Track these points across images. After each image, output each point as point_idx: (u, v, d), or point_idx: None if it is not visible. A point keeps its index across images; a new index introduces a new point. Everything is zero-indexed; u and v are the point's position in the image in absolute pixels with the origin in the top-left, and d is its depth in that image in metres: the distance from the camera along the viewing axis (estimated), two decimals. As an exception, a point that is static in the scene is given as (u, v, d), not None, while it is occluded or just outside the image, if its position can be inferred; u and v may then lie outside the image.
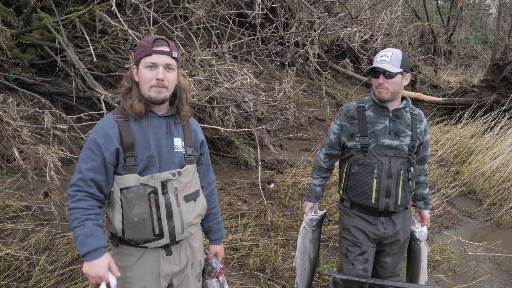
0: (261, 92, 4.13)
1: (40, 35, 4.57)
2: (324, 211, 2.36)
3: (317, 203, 2.38)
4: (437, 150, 5.85)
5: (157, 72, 1.53)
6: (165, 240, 1.60)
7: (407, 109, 2.15)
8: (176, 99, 1.66)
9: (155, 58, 1.52)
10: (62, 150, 3.17)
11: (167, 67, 1.56)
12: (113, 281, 1.47)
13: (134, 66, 1.59)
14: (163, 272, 1.65)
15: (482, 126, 6.74)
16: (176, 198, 1.60)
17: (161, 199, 1.56)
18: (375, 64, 2.05)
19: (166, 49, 1.55)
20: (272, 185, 4.27)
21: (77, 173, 1.52)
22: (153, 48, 1.52)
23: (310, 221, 2.29)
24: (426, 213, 2.41)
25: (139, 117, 1.56)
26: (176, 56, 1.59)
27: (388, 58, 2.03)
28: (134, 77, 1.60)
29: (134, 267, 1.61)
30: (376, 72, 2.05)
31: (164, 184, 1.57)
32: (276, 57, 5.77)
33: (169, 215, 1.58)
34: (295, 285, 2.51)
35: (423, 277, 2.39)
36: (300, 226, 2.42)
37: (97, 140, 1.52)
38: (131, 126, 1.56)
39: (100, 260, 1.46)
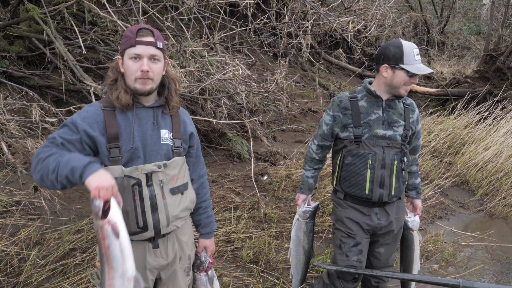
0: (253, 83, 4.09)
1: (28, 27, 4.48)
2: (317, 202, 2.35)
3: (310, 195, 2.36)
4: (430, 141, 5.87)
5: (141, 63, 1.49)
6: (150, 233, 1.57)
7: (400, 99, 2.14)
8: (164, 89, 1.62)
9: (139, 49, 1.48)
10: (51, 143, 3.11)
11: (152, 58, 1.51)
12: (119, 198, 1.35)
13: (119, 56, 1.55)
14: (149, 265, 1.62)
15: (475, 117, 6.76)
16: (162, 191, 1.57)
17: (145, 191, 1.53)
18: (417, 64, 1.98)
19: (151, 39, 1.51)
20: (265, 177, 4.26)
21: (47, 140, 1.45)
22: (137, 39, 1.48)
23: (304, 213, 2.28)
24: (418, 202, 2.41)
25: (125, 108, 1.52)
26: (161, 47, 1.54)
27: (420, 57, 2.02)
28: (120, 68, 1.56)
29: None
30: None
31: (148, 176, 1.54)
32: (268, 48, 5.72)
33: (154, 208, 1.55)
34: (290, 277, 2.51)
35: (416, 266, 2.41)
36: (293, 218, 2.41)
37: (75, 121, 1.48)
38: (117, 116, 1.53)
39: (104, 170, 1.33)
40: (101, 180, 1.27)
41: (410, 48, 1.98)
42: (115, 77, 1.55)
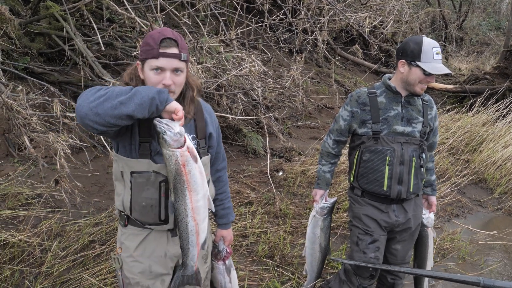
0: (269, 79, 4.09)
1: (48, 24, 4.58)
2: (335, 198, 2.34)
3: (327, 190, 2.35)
4: (447, 138, 5.78)
5: (163, 76, 1.41)
6: (170, 226, 1.60)
7: (419, 95, 2.12)
8: (180, 97, 1.57)
9: (162, 61, 1.40)
10: (71, 138, 3.18)
11: (175, 70, 1.44)
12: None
13: (139, 62, 1.49)
14: (169, 252, 1.65)
15: (494, 114, 6.63)
16: None
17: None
18: (434, 63, 1.96)
19: (175, 51, 1.42)
20: (280, 173, 4.27)
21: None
22: (160, 50, 1.39)
23: (321, 209, 2.27)
24: (433, 199, 2.40)
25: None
26: (185, 59, 1.46)
27: (441, 56, 1.98)
28: (140, 74, 1.51)
29: (140, 247, 1.62)
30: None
31: None
32: (284, 44, 5.71)
33: None
34: (304, 273, 2.51)
35: (430, 262, 2.41)
36: (309, 214, 2.40)
37: None
38: None
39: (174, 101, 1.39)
40: (177, 103, 1.35)
41: (429, 46, 1.95)
42: (134, 84, 1.48)
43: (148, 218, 1.56)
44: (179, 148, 1.33)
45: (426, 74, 1.95)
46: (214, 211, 1.51)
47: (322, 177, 2.34)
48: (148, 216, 1.55)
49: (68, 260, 2.72)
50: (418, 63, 1.96)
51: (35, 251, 2.74)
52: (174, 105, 1.35)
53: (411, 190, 2.09)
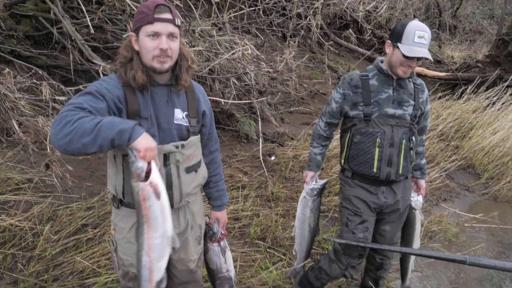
0: (262, 63, 4.07)
1: (34, 5, 4.48)
2: (326, 180, 2.37)
3: (318, 172, 2.38)
4: (438, 125, 5.84)
5: (160, 41, 1.43)
6: None
7: (410, 78, 2.13)
8: (176, 66, 1.58)
9: (157, 26, 1.42)
10: (62, 121, 3.15)
11: (170, 35, 1.46)
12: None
13: (133, 34, 1.50)
14: None
15: (484, 101, 6.69)
16: (177, 170, 1.58)
17: (162, 171, 1.54)
18: (413, 46, 1.93)
19: (169, 16, 1.45)
20: (273, 158, 4.29)
21: (73, 104, 1.33)
22: (155, 16, 1.42)
23: (311, 190, 2.30)
24: (422, 182, 2.43)
25: (142, 88, 1.50)
26: (179, 24, 1.49)
27: (426, 41, 1.94)
28: (134, 46, 1.51)
29: (134, 228, 1.61)
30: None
31: (166, 156, 1.55)
32: (277, 28, 5.66)
33: (169, 186, 1.56)
34: (294, 253, 2.55)
35: (416, 243, 2.46)
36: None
37: (100, 89, 1.41)
38: (136, 93, 1.51)
39: (146, 133, 1.32)
40: (148, 142, 1.29)
41: (413, 29, 1.93)
42: (130, 55, 1.50)
43: None
44: (141, 181, 1.32)
45: (405, 56, 1.95)
46: (177, 247, 1.47)
47: (313, 159, 2.35)
48: None
49: (61, 243, 2.72)
50: (398, 44, 1.96)
51: (27, 235, 2.74)
52: (137, 146, 1.28)
53: (400, 172, 2.12)
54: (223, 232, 1.93)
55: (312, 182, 2.31)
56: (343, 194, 2.28)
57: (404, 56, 1.94)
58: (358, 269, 2.31)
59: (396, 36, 1.97)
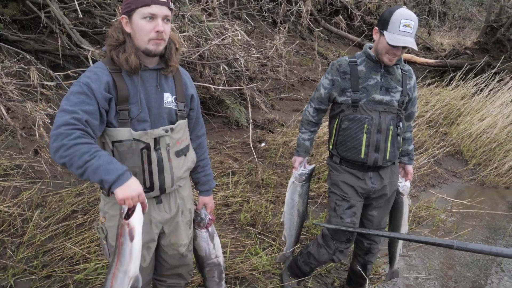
0: (252, 49, 4.05)
1: (21, -12, 4.37)
2: (313, 165, 2.39)
3: (306, 158, 2.40)
4: (426, 111, 5.90)
5: (156, 23, 1.45)
6: (155, 192, 1.62)
7: (398, 65, 2.15)
8: (166, 50, 1.59)
9: (154, 8, 1.44)
10: (50, 107, 3.12)
11: (165, 18, 1.48)
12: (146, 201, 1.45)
13: (125, 16, 1.49)
14: (154, 219, 1.68)
15: (472, 88, 6.77)
16: (168, 154, 1.61)
17: (153, 155, 1.56)
18: (398, 35, 1.93)
19: None
20: (263, 144, 4.31)
21: (68, 113, 1.37)
22: None
23: (300, 175, 2.33)
24: (410, 168, 2.47)
25: (134, 71, 1.50)
26: (172, 7, 1.53)
27: (411, 30, 1.94)
28: (125, 28, 1.50)
29: None
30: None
31: (156, 140, 1.56)
32: (268, 14, 5.62)
33: (160, 171, 1.59)
34: (283, 238, 2.59)
35: (404, 228, 2.49)
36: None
37: (90, 84, 1.43)
38: (125, 78, 1.51)
39: (132, 179, 1.38)
40: (128, 191, 1.35)
41: (399, 17, 1.93)
42: (122, 38, 1.50)
43: None
44: (121, 219, 1.40)
45: (389, 45, 1.96)
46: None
47: (301, 144, 2.38)
48: None
49: (51, 229, 2.72)
50: (384, 32, 1.97)
51: (16, 221, 2.73)
52: (116, 195, 1.36)
53: (387, 157, 2.15)
54: (211, 218, 1.94)
55: (300, 167, 2.34)
56: (331, 179, 2.31)
57: (388, 44, 1.95)
58: (346, 254, 2.36)
59: (383, 23, 1.98)
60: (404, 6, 2.03)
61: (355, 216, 2.23)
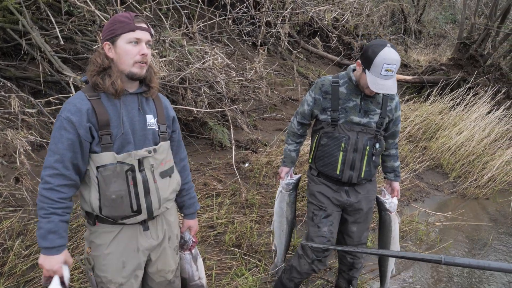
0: (233, 72, 4.13)
1: (2, 17, 4.39)
2: (299, 175, 2.48)
3: (292, 168, 2.48)
4: (406, 127, 6.06)
5: (141, 47, 1.54)
6: (143, 216, 1.63)
7: None
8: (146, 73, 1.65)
9: (139, 34, 1.54)
10: (31, 134, 3.10)
11: (148, 43, 1.58)
12: (66, 274, 1.54)
13: (108, 42, 1.55)
14: (142, 247, 1.68)
15: (449, 103, 6.99)
16: (153, 175, 1.63)
17: (138, 176, 1.58)
18: (379, 79, 1.97)
19: (146, 26, 1.58)
20: (246, 164, 4.34)
21: (53, 153, 1.49)
22: (136, 24, 1.53)
23: (287, 185, 2.41)
24: (397, 185, 2.52)
25: (118, 95, 1.55)
26: (153, 33, 1.63)
27: (393, 73, 1.99)
28: (108, 54, 1.56)
29: (113, 244, 1.63)
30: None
31: (140, 162, 1.59)
32: (247, 37, 5.75)
33: (147, 192, 1.61)
34: (273, 248, 2.62)
35: (395, 247, 2.46)
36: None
37: (70, 118, 1.49)
38: (104, 104, 1.55)
39: (57, 256, 1.51)
40: (48, 263, 1.50)
41: (381, 61, 1.95)
42: (107, 63, 1.55)
43: (120, 211, 1.57)
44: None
45: (360, 65, 2.05)
46: None
47: (287, 155, 2.47)
48: (120, 209, 1.57)
49: (32, 258, 2.67)
50: (366, 71, 2.02)
51: (-4, 251, 2.68)
52: (38, 261, 1.53)
53: (362, 176, 2.22)
54: (194, 240, 1.96)
55: (287, 177, 2.42)
56: (309, 190, 2.39)
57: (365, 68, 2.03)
58: (325, 262, 2.37)
59: (366, 62, 2.02)
60: (388, 45, 2.00)
61: (332, 226, 2.29)
